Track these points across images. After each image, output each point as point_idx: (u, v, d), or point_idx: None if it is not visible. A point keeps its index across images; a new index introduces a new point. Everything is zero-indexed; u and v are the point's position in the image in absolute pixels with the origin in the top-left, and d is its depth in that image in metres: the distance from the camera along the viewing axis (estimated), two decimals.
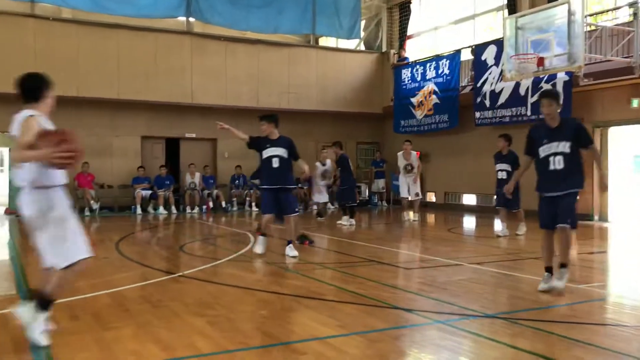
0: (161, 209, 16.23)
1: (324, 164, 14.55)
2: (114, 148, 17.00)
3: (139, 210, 16.01)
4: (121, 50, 15.96)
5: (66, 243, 4.13)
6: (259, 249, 8.25)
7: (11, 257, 8.55)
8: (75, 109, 16.26)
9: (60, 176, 4.13)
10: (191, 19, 17.17)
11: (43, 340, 3.98)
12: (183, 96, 16.80)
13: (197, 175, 17.08)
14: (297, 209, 8.53)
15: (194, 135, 18.07)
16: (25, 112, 4.16)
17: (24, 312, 4.03)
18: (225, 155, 18.54)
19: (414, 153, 13.81)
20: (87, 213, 15.57)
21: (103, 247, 9.40)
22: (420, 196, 14.05)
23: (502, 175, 10.35)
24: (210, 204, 16.93)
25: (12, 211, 16.26)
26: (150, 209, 16.47)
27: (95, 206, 15.82)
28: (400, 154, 13.89)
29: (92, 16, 15.96)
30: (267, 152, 8.65)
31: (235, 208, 17.38)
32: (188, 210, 16.60)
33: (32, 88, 4.40)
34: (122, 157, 17.07)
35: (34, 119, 4.08)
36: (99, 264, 7.76)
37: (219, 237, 11.23)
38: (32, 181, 4.03)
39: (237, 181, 17.72)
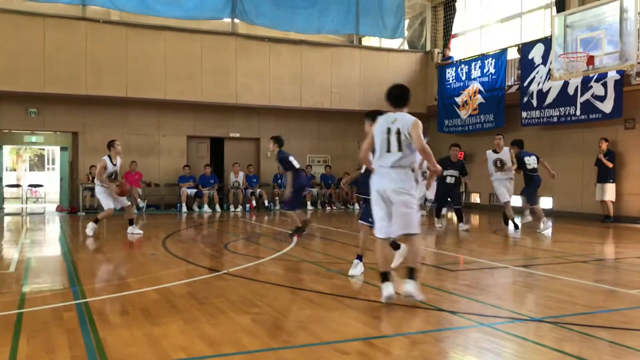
0: (206, 207, 16.50)
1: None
2: (161, 147, 17.38)
3: (184, 209, 16.31)
4: (168, 52, 16.30)
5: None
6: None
7: (63, 253, 8.84)
8: (124, 109, 16.73)
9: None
10: (236, 20, 17.39)
11: (421, 296, 5.16)
12: (227, 96, 17.03)
13: (241, 174, 17.30)
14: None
15: (238, 135, 18.31)
16: (409, 116, 5.46)
17: (410, 286, 5.17)
18: (268, 154, 18.68)
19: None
20: (134, 211, 15.93)
21: (150, 244, 9.64)
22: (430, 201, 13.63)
23: (451, 180, 11.91)
24: (254, 203, 17.12)
25: (63, 208, 16.82)
26: (195, 207, 16.77)
27: (143, 204, 16.20)
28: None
29: (140, 18, 16.35)
30: None
31: (278, 207, 17.53)
32: (232, 208, 16.83)
33: (400, 95, 5.70)
34: (168, 156, 17.43)
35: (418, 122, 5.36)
36: (147, 261, 7.97)
37: (262, 235, 11.35)
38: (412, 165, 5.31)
39: (279, 180, 17.85)
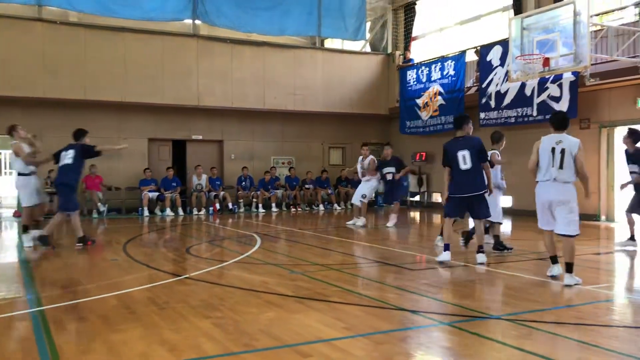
0: (168, 211, 16.29)
1: None
2: (121, 150, 17.06)
3: (146, 212, 16.08)
4: (128, 53, 16.05)
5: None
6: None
7: (20, 260, 8.61)
8: (83, 111, 16.38)
9: None
10: (197, 22, 17.24)
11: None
12: (189, 98, 16.87)
13: (204, 177, 17.14)
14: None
15: (200, 137, 18.15)
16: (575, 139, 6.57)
17: (570, 279, 6.20)
18: (232, 156, 18.61)
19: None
20: (94, 215, 15.64)
21: (110, 249, 9.47)
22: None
23: (389, 177, 12.85)
24: (217, 206, 16.97)
25: (20, 214, 16.37)
26: (157, 211, 16.54)
27: (103, 208, 15.90)
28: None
29: (99, 19, 16.06)
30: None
31: (242, 209, 17.43)
32: (195, 212, 16.66)
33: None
34: (129, 159, 17.14)
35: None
36: (107, 266, 7.82)
37: (225, 238, 11.27)
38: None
39: (243, 182, 17.76)
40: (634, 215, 9.33)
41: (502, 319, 4.85)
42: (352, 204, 13.93)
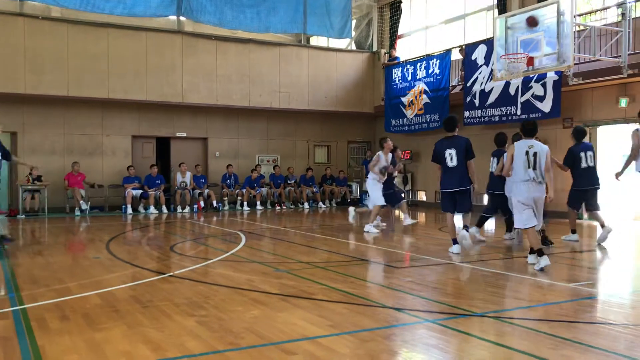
0: (152, 209, 16.18)
1: None
2: (105, 147, 16.95)
3: (129, 210, 15.95)
4: (111, 49, 15.90)
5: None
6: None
7: (0, 258, 8.50)
8: (66, 108, 16.24)
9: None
10: (182, 18, 17.13)
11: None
12: (173, 95, 16.76)
13: (188, 174, 17.05)
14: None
15: (184, 135, 18.05)
16: (545, 145, 7.44)
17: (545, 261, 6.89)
18: (217, 154, 18.53)
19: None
20: (77, 213, 15.50)
21: (93, 247, 9.38)
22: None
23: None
24: (202, 204, 16.90)
25: (2, 211, 16.18)
26: (140, 209, 16.43)
27: (85, 206, 15.76)
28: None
29: (82, 15, 15.89)
30: None
31: (226, 207, 17.37)
32: (179, 209, 16.57)
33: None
34: (112, 156, 17.01)
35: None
36: (90, 264, 7.75)
37: (210, 236, 11.21)
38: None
39: (228, 180, 17.70)
40: None
41: (487, 317, 4.87)
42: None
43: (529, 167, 7.17)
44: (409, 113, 18.03)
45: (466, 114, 15.73)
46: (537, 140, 7.37)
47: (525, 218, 7.25)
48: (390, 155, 11.79)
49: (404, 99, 18.20)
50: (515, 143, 7.45)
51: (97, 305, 5.24)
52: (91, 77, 15.62)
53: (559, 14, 11.25)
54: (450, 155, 8.29)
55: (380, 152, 11.71)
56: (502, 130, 15.63)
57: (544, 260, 6.87)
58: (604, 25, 12.51)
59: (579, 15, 12.70)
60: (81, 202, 15.65)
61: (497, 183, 9.32)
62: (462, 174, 8.29)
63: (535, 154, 7.16)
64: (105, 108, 16.71)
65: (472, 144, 8.43)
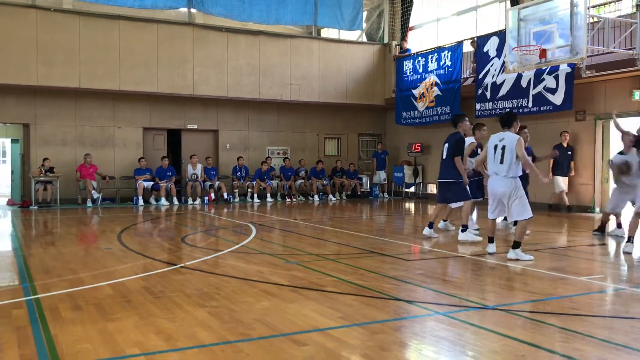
0: (163, 200, 16.26)
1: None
2: (116, 139, 17.03)
3: (140, 202, 16.03)
4: (122, 41, 15.94)
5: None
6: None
7: (14, 248, 8.59)
8: (77, 100, 16.33)
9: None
10: (193, 10, 17.13)
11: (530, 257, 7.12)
12: (184, 87, 16.79)
13: (199, 166, 17.09)
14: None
15: (195, 127, 18.09)
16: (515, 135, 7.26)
17: (512, 254, 7.18)
18: (227, 146, 18.56)
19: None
20: (89, 204, 15.60)
21: (105, 238, 9.45)
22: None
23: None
24: (212, 195, 16.95)
25: (14, 202, 16.33)
26: (152, 200, 16.50)
27: (97, 195, 15.86)
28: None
29: (93, 7, 15.93)
30: None
31: (237, 199, 17.42)
32: (190, 201, 16.64)
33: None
34: (123, 148, 17.09)
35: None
36: (102, 255, 7.81)
37: (220, 228, 11.25)
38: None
39: (239, 172, 17.73)
40: None
41: (497, 310, 4.86)
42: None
43: (494, 161, 7.24)
44: (420, 105, 17.96)
45: (477, 106, 15.64)
46: (513, 131, 7.27)
47: (490, 210, 7.50)
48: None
49: (415, 92, 18.12)
50: (492, 135, 7.55)
51: (109, 296, 5.29)
52: (102, 69, 15.68)
53: (573, 5, 11.14)
54: (444, 149, 9.06)
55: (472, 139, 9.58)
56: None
57: (491, 247, 7.60)
58: (618, 17, 12.37)
59: (593, 7, 12.57)
60: (93, 192, 15.74)
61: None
62: (446, 167, 8.96)
63: (503, 148, 7.15)
64: (116, 100, 16.78)
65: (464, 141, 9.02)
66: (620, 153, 9.38)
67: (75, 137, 16.49)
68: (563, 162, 13.74)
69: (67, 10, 15.91)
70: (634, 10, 11.76)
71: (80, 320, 4.49)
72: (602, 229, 9.75)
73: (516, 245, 7.18)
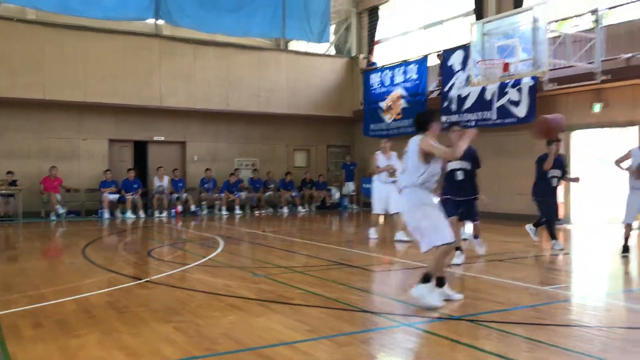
0: (129, 213, 16.02)
1: None
2: (81, 151, 16.74)
3: (106, 215, 15.77)
4: (88, 53, 15.74)
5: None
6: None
7: None
8: (42, 112, 16.03)
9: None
10: (160, 22, 17.02)
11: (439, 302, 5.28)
12: (151, 99, 16.63)
13: (166, 178, 16.90)
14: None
15: (162, 138, 17.91)
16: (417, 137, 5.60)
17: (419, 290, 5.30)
18: (195, 158, 18.42)
19: (394, 153, 10.86)
20: (53, 217, 15.28)
21: (69, 253, 9.26)
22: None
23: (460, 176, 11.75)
24: (180, 208, 16.77)
25: None
26: (118, 213, 16.25)
27: (62, 210, 15.54)
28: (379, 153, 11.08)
29: (58, 17, 15.70)
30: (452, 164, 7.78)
31: (204, 212, 17.27)
32: (157, 214, 16.43)
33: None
34: (89, 160, 16.81)
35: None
36: (65, 270, 7.65)
37: (188, 241, 11.14)
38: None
39: (206, 184, 17.60)
40: None
41: (463, 320, 4.91)
42: (379, 214, 11.15)
43: (402, 173, 5.82)
44: (387, 117, 18.12)
45: (444, 118, 15.82)
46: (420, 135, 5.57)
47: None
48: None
49: (382, 104, 18.29)
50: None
51: (73, 312, 5.17)
52: (68, 80, 15.44)
53: (534, 20, 11.43)
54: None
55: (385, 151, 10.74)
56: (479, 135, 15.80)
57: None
58: (578, 32, 12.71)
59: (554, 22, 12.88)
60: (57, 206, 15.43)
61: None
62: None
63: (406, 154, 5.66)
64: (82, 111, 16.52)
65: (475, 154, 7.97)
66: None
67: (40, 149, 16.16)
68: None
69: (30, 20, 15.66)
70: (593, 25, 12.11)
71: (42, 337, 4.38)
72: (627, 247, 8.49)
73: (425, 279, 5.32)
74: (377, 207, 10.77)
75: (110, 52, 16.04)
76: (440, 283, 5.44)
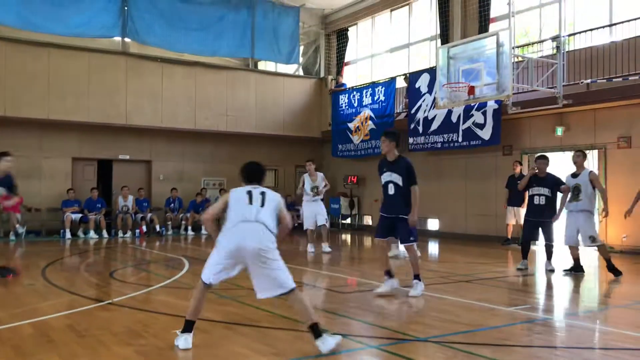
0: (92, 233, 15.67)
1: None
2: (43, 170, 16.35)
3: (68, 235, 15.39)
4: (52, 69, 15.47)
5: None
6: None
7: None
8: (2, 128, 15.61)
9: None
10: (126, 40, 16.87)
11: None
12: (117, 117, 16.40)
13: (130, 198, 16.62)
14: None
15: (127, 157, 17.65)
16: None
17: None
18: (160, 177, 18.18)
19: (320, 174, 12.66)
20: (12, 237, 14.83)
21: (28, 274, 8.98)
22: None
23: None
24: (144, 228, 16.48)
25: None
26: (80, 233, 15.88)
27: (22, 230, 15.09)
28: (305, 175, 12.48)
29: (21, 33, 15.42)
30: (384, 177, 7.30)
31: (170, 232, 17.00)
32: (120, 234, 16.10)
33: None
34: (51, 179, 16.43)
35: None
36: (23, 292, 7.41)
37: (152, 262, 10.93)
38: None
39: (172, 204, 17.36)
40: None
41: (429, 341, 4.91)
42: (312, 229, 12.12)
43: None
44: (356, 138, 18.24)
45: (410, 140, 16.03)
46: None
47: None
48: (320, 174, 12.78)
49: (351, 125, 18.42)
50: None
51: (30, 336, 5.00)
52: (29, 97, 15.13)
53: (498, 45, 11.69)
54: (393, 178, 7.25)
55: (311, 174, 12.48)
56: (444, 156, 16.06)
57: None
58: (541, 57, 13.06)
59: (517, 47, 13.22)
60: (17, 226, 14.95)
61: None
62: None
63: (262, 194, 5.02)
64: (44, 129, 16.17)
65: (410, 168, 7.17)
66: None
67: None
68: (516, 193, 12.97)
69: None
70: (555, 51, 12.46)
71: None
72: (579, 267, 9.01)
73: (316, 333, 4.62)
74: (307, 223, 12.00)
75: (75, 70, 15.79)
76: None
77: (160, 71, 17.15)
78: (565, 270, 9.10)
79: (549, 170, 9.37)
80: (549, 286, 8.54)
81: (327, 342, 4.50)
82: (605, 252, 8.95)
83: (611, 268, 8.76)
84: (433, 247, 13.96)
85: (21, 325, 5.37)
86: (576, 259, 9.02)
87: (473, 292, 7.34)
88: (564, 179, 9.24)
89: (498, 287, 7.97)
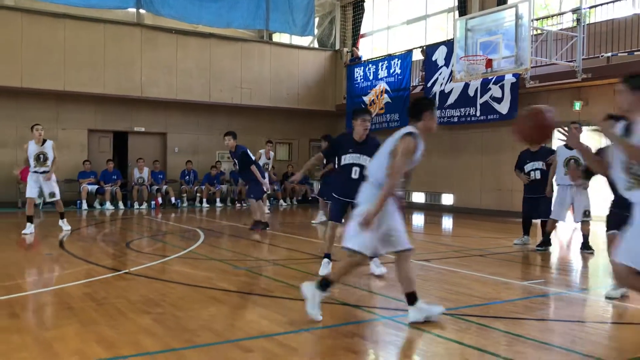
0: (108, 205, 15.84)
1: None
2: (60, 141, 16.36)
3: (84, 206, 15.57)
4: (68, 41, 15.49)
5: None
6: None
7: None
8: (19, 100, 15.75)
9: None
10: (141, 11, 16.81)
11: (317, 316, 4.54)
12: (132, 89, 16.44)
13: (146, 170, 16.74)
14: None
15: (143, 129, 17.72)
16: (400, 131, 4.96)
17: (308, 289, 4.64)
18: (176, 150, 18.27)
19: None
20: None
21: (46, 243, 9.13)
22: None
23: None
24: (160, 200, 16.62)
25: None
26: (96, 205, 16.06)
27: (39, 201, 15.28)
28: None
29: (37, 4, 15.42)
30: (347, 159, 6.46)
31: (185, 204, 17.14)
32: (136, 206, 16.26)
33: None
34: (67, 150, 16.54)
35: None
36: (42, 261, 7.54)
37: (167, 233, 11.04)
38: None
39: (187, 177, 17.47)
40: None
41: (443, 314, 4.93)
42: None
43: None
44: (370, 112, 18.11)
45: None
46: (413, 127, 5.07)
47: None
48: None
49: (366, 98, 18.30)
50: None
51: (50, 303, 5.10)
52: (46, 69, 15.18)
53: (517, 17, 11.50)
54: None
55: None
56: (460, 131, 15.94)
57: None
58: (560, 30, 12.82)
59: (536, 20, 12.99)
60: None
61: None
62: None
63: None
64: (60, 101, 16.27)
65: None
66: None
67: (16, 138, 15.87)
68: None
69: (8, 6, 15.35)
70: (575, 24, 12.22)
71: (17, 328, 4.30)
72: (547, 241, 9.03)
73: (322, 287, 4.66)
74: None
75: (91, 41, 15.80)
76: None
77: (175, 43, 17.09)
78: (537, 248, 8.87)
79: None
80: (562, 261, 8.52)
81: (413, 314, 4.53)
82: (587, 229, 8.74)
83: (586, 245, 8.63)
84: (447, 222, 13.96)
85: (41, 293, 5.47)
86: (549, 233, 8.90)
87: (487, 266, 7.35)
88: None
89: (512, 262, 7.96)
